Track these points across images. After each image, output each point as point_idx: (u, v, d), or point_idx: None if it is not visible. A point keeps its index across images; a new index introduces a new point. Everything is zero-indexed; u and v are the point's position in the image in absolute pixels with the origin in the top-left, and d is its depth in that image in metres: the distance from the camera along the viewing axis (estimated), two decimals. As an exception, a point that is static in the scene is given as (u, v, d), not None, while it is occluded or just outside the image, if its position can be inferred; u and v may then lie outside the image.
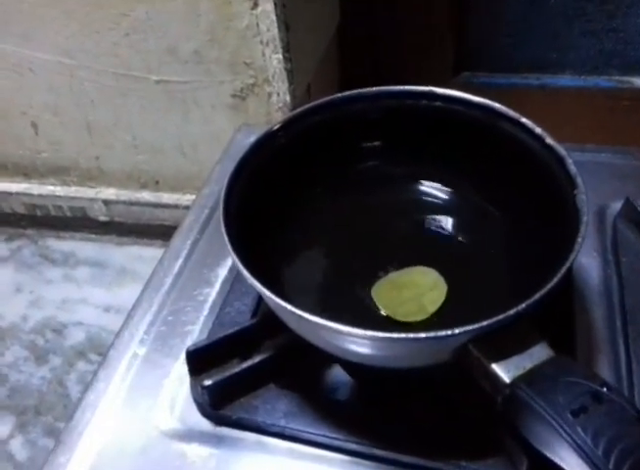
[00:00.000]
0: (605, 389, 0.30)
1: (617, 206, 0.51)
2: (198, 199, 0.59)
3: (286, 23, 0.69)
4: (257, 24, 0.70)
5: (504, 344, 0.33)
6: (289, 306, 0.34)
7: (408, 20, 0.93)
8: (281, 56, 0.70)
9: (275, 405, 0.40)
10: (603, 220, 0.52)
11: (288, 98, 0.73)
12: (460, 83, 0.44)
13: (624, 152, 0.58)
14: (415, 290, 0.43)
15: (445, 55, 0.93)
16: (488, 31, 0.93)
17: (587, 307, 0.45)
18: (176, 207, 0.94)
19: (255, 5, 0.68)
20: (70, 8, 0.78)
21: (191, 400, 0.42)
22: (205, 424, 0.41)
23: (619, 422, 0.29)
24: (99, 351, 0.47)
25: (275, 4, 0.67)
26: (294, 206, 0.48)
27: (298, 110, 0.47)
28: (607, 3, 0.85)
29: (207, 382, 0.40)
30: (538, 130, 0.43)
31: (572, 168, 0.40)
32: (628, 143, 0.63)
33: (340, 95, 0.48)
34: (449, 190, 0.50)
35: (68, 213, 1.05)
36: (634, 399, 0.38)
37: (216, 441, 0.40)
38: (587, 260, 0.49)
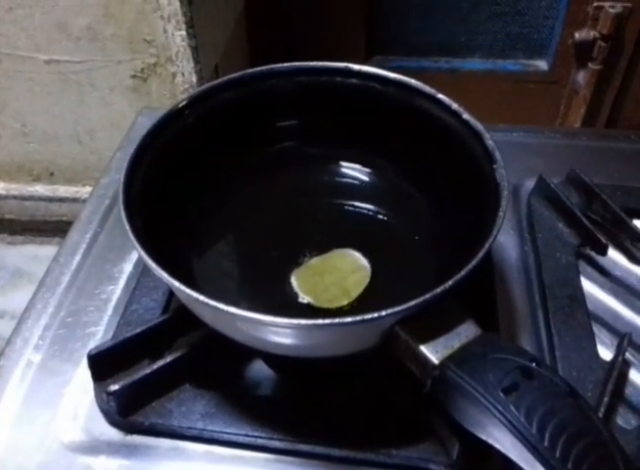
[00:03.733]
0: (534, 364, 0.30)
1: (530, 183, 0.52)
2: (96, 189, 0.55)
3: (188, -3, 0.65)
4: (157, -3, 0.65)
5: (431, 324, 0.32)
6: (201, 297, 0.31)
7: (319, 3, 0.92)
8: (184, 32, 0.66)
9: (191, 407, 0.38)
10: (517, 198, 0.52)
11: (194, 78, 0.69)
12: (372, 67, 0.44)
13: (535, 131, 0.60)
14: (337, 274, 0.42)
15: (357, 39, 0.93)
16: (399, 16, 0.93)
17: (507, 285, 0.46)
18: (74, 200, 0.88)
19: (154, -24, 0.63)
20: (-58, -21, 0.70)
21: (96, 409, 0.39)
22: (114, 433, 0.38)
23: (551, 397, 0.29)
24: None
25: (175, -25, 0.63)
26: (204, 191, 0.45)
27: (206, 85, 0.44)
28: (513, -15, 0.88)
29: (114, 387, 0.37)
30: (455, 106, 0.42)
31: (490, 143, 0.39)
32: (535, 124, 0.64)
33: (251, 70, 0.45)
34: (368, 171, 0.48)
35: (-48, 212, 0.95)
36: (557, 371, 0.38)
37: (127, 451, 0.37)
38: (504, 239, 0.49)
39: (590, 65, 0.89)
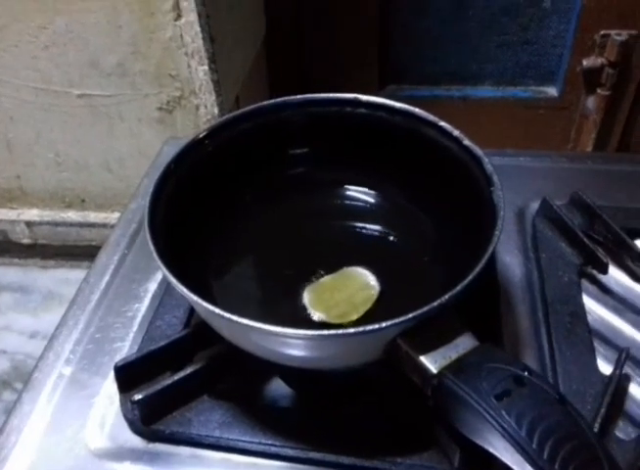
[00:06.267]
0: (526, 373, 0.32)
1: (535, 206, 0.54)
2: (124, 214, 0.58)
3: (210, 35, 0.69)
4: (182, 36, 0.69)
5: (431, 336, 0.34)
6: (217, 310, 0.34)
7: (335, 36, 0.96)
8: (207, 67, 0.70)
9: (209, 417, 0.40)
10: (522, 220, 0.54)
11: (216, 110, 0.73)
12: (386, 96, 0.46)
13: (542, 155, 0.61)
14: (347, 291, 0.44)
15: (370, 69, 0.96)
16: (411, 47, 0.96)
17: (512, 302, 0.47)
18: (104, 226, 0.92)
19: (179, 16, 0.68)
20: (-15, 21, 0.75)
21: (121, 418, 0.41)
22: (137, 441, 0.40)
23: (541, 403, 0.30)
24: (25, 379, 0.44)
25: (199, 15, 0.67)
26: (222, 215, 0.48)
27: (225, 117, 0.47)
28: (521, 16, 0.91)
29: (138, 396, 0.39)
30: (456, 133, 0.45)
31: (489, 167, 0.41)
32: (547, 149, 0.66)
33: (266, 103, 0.48)
34: (375, 193, 0.51)
35: (-12, 238, 1.00)
36: (558, 385, 0.40)
37: (149, 457, 0.39)
38: (510, 259, 0.51)
39: (599, 90, 0.90)
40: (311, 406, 0.42)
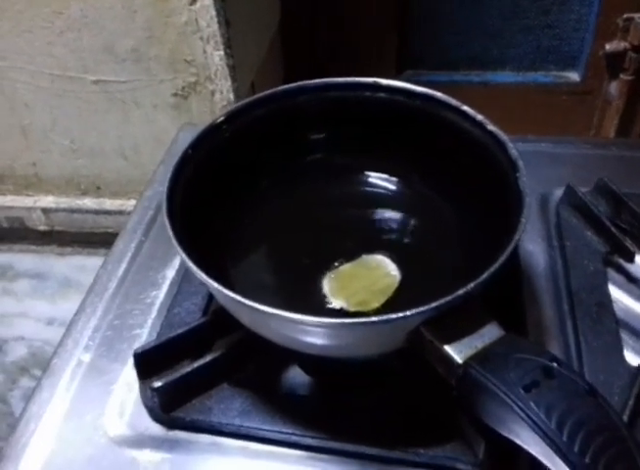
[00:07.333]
0: (555, 364, 0.31)
1: (559, 193, 0.53)
2: (141, 201, 0.58)
3: (226, 19, 0.69)
4: (197, 20, 0.69)
5: (455, 325, 0.33)
6: (238, 297, 0.33)
7: (351, 19, 0.94)
8: (222, 52, 0.69)
9: (229, 405, 0.39)
10: (546, 208, 0.53)
11: (231, 96, 0.72)
12: (403, 81, 0.45)
13: (564, 141, 0.60)
14: (367, 279, 0.43)
15: (388, 54, 0.95)
16: (430, 30, 0.95)
17: (536, 292, 0.46)
18: (120, 213, 0.92)
19: (194, 0, 0.67)
20: (0, 6, 0.75)
21: (141, 406, 0.41)
22: (157, 428, 0.40)
23: (571, 395, 0.30)
24: (43, 365, 0.45)
25: (214, -1, 0.67)
26: (239, 202, 0.48)
27: (242, 102, 0.47)
28: (542, 0, 0.89)
29: (157, 384, 0.39)
30: (480, 117, 0.44)
31: (514, 153, 0.40)
32: (569, 135, 0.64)
33: (283, 87, 0.48)
34: (395, 180, 0.50)
35: (5, 224, 1.00)
36: (584, 375, 0.39)
37: (169, 445, 0.39)
38: (533, 247, 0.50)
39: (622, 75, 0.88)
40: (331, 395, 0.41)
